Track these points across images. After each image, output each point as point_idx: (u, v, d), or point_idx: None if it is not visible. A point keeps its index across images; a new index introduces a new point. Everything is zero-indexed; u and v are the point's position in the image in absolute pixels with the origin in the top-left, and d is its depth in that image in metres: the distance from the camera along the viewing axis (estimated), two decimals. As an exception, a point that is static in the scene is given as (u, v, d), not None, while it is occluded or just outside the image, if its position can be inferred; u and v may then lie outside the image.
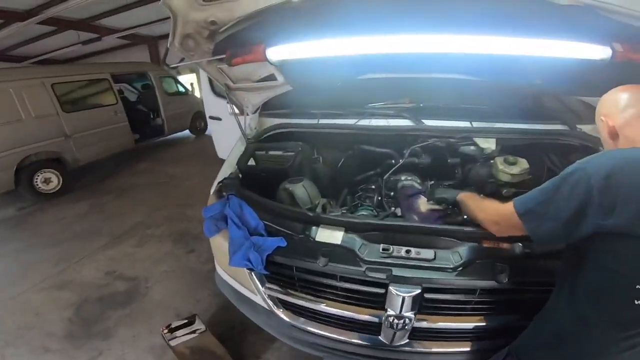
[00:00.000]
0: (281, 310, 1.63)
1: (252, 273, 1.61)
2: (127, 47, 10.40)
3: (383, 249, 1.35)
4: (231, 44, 1.54)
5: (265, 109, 2.37)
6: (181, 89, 8.10)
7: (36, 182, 5.00)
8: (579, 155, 1.79)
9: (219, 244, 1.70)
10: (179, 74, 9.32)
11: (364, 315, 1.43)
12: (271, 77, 1.97)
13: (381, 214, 1.76)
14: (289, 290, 1.56)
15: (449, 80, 2.15)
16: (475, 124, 1.92)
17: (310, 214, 1.54)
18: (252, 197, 1.67)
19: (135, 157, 6.91)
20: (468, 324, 1.37)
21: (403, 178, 1.92)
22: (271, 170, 1.94)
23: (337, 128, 2.06)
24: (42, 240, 3.85)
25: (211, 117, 4.06)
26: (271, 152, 2.03)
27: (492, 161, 1.72)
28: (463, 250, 1.32)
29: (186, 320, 2.17)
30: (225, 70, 1.83)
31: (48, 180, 5.13)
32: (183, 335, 2.08)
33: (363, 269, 1.32)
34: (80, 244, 3.66)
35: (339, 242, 1.43)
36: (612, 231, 0.80)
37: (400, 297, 1.28)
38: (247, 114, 2.22)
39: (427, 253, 1.32)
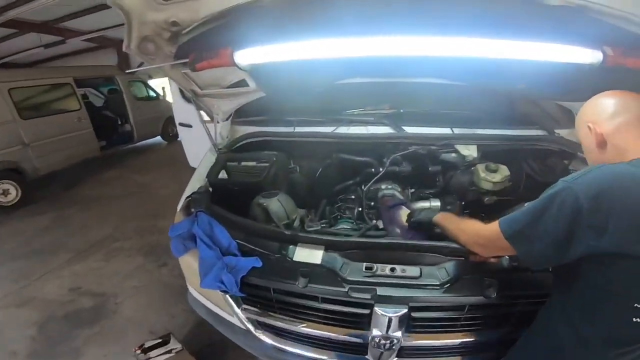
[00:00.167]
0: (261, 332, 1.53)
1: (227, 294, 1.49)
2: (95, 50, 9.89)
3: (366, 268, 1.27)
4: (196, 46, 1.39)
5: (238, 116, 2.23)
6: (152, 93, 7.80)
7: (-8, 194, 4.64)
8: (557, 160, 1.83)
9: (189, 263, 1.58)
10: (150, 77, 8.99)
11: (349, 337, 1.36)
12: (242, 83, 1.81)
13: (362, 227, 1.67)
14: (268, 312, 1.46)
15: (430, 85, 2.09)
16: (457, 130, 1.88)
17: (287, 232, 1.43)
18: (223, 214, 1.54)
19: (102, 165, 6.54)
20: (457, 340, 1.32)
21: (383, 187, 1.85)
22: (244, 184, 1.81)
23: (315, 136, 1.96)
24: (0, 256, 3.59)
25: (181, 124, 3.85)
26: (244, 163, 1.90)
27: (473, 168, 1.69)
28: (449, 266, 1.26)
29: (160, 340, 2.04)
30: (191, 76, 1.66)
31: (6, 192, 4.78)
32: (158, 356, 1.95)
33: (346, 290, 1.25)
34: (42, 259, 3.43)
35: (318, 261, 1.34)
36: (605, 252, 0.77)
37: (386, 318, 1.22)
38: (218, 122, 2.05)
39: (413, 270, 1.25)
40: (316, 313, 1.35)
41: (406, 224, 1.53)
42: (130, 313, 2.61)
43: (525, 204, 1.39)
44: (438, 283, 1.22)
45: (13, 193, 4.84)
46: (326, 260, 1.33)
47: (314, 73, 1.86)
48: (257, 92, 1.90)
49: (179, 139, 4.49)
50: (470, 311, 1.24)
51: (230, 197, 1.76)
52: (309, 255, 1.37)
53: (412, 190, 1.92)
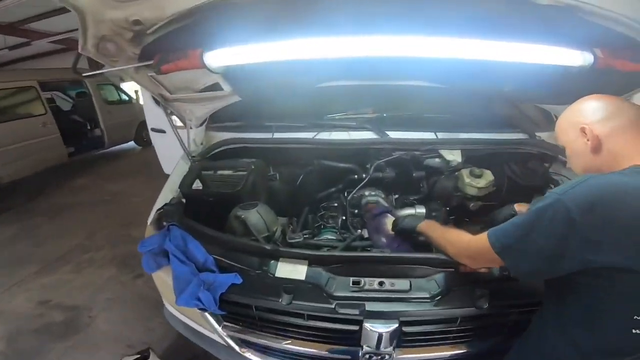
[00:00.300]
0: (245, 350, 1.43)
1: (206, 312, 1.39)
2: (63, 52, 9.34)
3: (353, 283, 1.20)
4: (162, 47, 1.24)
5: (213, 121, 2.09)
6: (124, 97, 7.43)
7: (-49, 204, 4.27)
8: (537, 163, 1.81)
9: (163, 279, 1.46)
10: (122, 80, 8.60)
11: (338, 355, 1.30)
12: (217, 87, 1.68)
13: (347, 238, 1.57)
14: (252, 330, 1.37)
15: (413, 88, 2.03)
16: (440, 135, 1.83)
17: (268, 247, 1.32)
18: (198, 228, 1.41)
19: (71, 172, 6.14)
20: (450, 352, 1.29)
21: (367, 193, 1.77)
22: (220, 195, 1.68)
23: (295, 143, 1.86)
24: (-38, 269, 3.31)
25: (153, 130, 3.63)
26: (220, 172, 1.77)
27: (457, 173, 1.66)
28: (440, 278, 1.21)
29: (139, 355, 1.92)
30: (159, 79, 1.51)
31: (-34, 202, 4.40)
32: (136, 374, 1.82)
33: (333, 306, 1.18)
34: (7, 272, 3.18)
35: (303, 277, 1.26)
36: (602, 266, 0.73)
37: (376, 334, 1.17)
38: (191, 128, 1.91)
39: (402, 284, 1.20)
40: (303, 330, 1.28)
41: (392, 232, 1.47)
42: (105, 327, 2.46)
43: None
44: (429, 296, 1.17)
45: (-27, 203, 4.46)
46: (310, 275, 1.25)
47: (293, 76, 1.76)
48: (233, 96, 1.78)
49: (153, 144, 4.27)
50: (462, 323, 1.20)
51: (206, 208, 1.64)
52: (292, 270, 1.28)
53: (396, 196, 1.86)
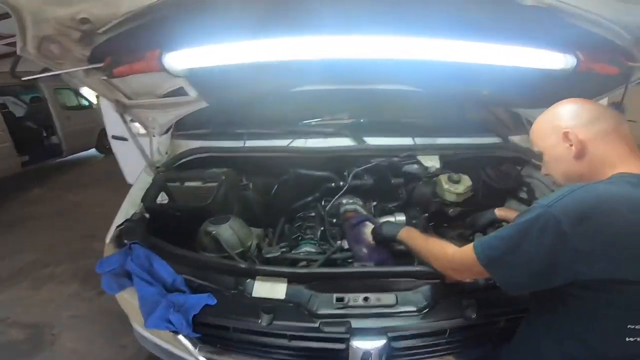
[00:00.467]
0: None
1: (179, 334, 1.25)
2: (15, 55, 8.65)
3: (337, 299, 1.14)
4: (115, 48, 1.09)
5: (178, 129, 1.93)
6: (84, 101, 6.93)
7: None
8: (510, 166, 1.80)
9: (127, 300, 1.32)
10: (82, 84, 8.04)
11: None
12: (181, 91, 1.53)
13: (327, 250, 1.48)
14: (231, 352, 1.27)
15: (391, 92, 1.97)
16: (418, 140, 1.79)
17: (243, 265, 1.21)
18: (164, 246, 1.28)
19: (26, 183, 5.64)
20: None
21: (345, 202, 1.70)
22: (189, 208, 1.55)
23: (268, 151, 1.75)
24: None
25: (114, 137, 3.37)
26: (188, 184, 1.62)
27: (435, 179, 1.62)
28: (426, 290, 1.17)
29: None
30: (115, 83, 1.35)
31: None
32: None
33: (317, 325, 1.11)
34: None
35: (282, 296, 1.17)
36: (594, 278, 0.71)
37: (364, 351, 1.10)
38: (154, 136, 1.74)
39: (388, 298, 1.15)
40: (286, 351, 1.20)
41: (373, 242, 1.39)
42: (71, 344, 2.30)
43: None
44: (416, 309, 1.13)
45: None
46: (291, 294, 1.17)
47: (265, 79, 1.65)
48: (199, 101, 1.63)
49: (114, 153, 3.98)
50: (451, 334, 1.16)
51: (172, 224, 1.50)
52: (270, 289, 1.18)
53: (375, 203, 1.80)
